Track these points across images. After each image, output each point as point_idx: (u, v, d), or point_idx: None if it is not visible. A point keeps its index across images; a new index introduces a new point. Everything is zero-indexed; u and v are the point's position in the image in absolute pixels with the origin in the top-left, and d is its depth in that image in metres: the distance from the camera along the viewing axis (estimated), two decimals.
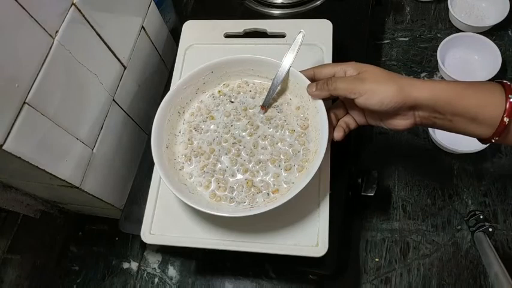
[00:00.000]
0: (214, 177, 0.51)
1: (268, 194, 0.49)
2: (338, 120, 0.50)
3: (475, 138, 0.43)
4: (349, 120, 0.50)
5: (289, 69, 0.51)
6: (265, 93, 0.54)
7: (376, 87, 0.42)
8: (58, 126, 0.52)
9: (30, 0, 0.45)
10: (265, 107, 0.54)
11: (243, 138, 0.53)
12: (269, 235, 0.49)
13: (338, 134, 0.48)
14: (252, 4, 0.75)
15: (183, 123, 0.55)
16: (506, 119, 0.38)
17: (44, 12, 0.48)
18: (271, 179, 0.50)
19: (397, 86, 0.42)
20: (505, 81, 0.40)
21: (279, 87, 0.53)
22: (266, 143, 0.52)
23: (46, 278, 0.74)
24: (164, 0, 0.85)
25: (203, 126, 0.54)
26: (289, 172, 0.50)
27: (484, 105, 0.40)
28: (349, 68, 0.46)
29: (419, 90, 0.41)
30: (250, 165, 0.51)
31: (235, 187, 0.50)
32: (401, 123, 0.45)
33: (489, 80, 0.73)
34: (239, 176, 0.50)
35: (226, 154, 0.52)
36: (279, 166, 0.50)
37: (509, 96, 0.38)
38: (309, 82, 0.50)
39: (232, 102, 0.55)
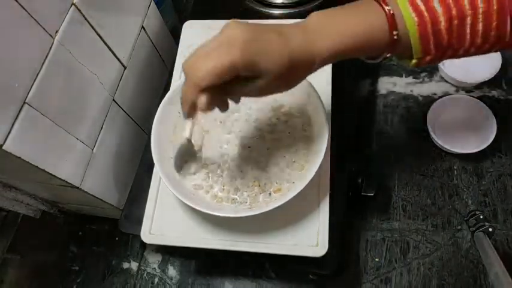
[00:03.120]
0: (215, 177, 0.51)
1: (270, 194, 0.49)
2: None
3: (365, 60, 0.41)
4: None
5: None
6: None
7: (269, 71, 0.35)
8: (58, 126, 0.52)
9: (30, 0, 0.45)
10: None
11: (244, 138, 0.53)
12: (269, 235, 0.49)
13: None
14: (252, 4, 0.75)
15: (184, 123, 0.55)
16: (395, 33, 0.36)
17: (44, 12, 0.48)
18: (274, 179, 0.50)
19: (284, 57, 0.35)
20: None
21: None
22: (268, 143, 0.52)
23: (46, 278, 0.74)
24: (164, 0, 0.85)
25: (204, 126, 0.54)
26: (291, 171, 0.50)
27: (369, 27, 0.37)
28: None
29: (319, 52, 0.37)
30: (251, 165, 0.51)
31: (236, 187, 0.50)
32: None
33: (491, 80, 0.73)
34: (239, 176, 0.50)
35: (227, 154, 0.52)
36: (281, 165, 0.50)
37: (386, 8, 0.36)
38: (309, 83, 0.50)
39: (233, 102, 0.55)
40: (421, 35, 0.36)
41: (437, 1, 0.35)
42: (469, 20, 0.35)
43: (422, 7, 0.36)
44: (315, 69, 0.39)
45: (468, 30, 0.36)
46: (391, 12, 0.36)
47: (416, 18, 0.35)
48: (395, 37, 0.36)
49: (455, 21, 0.35)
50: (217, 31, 0.36)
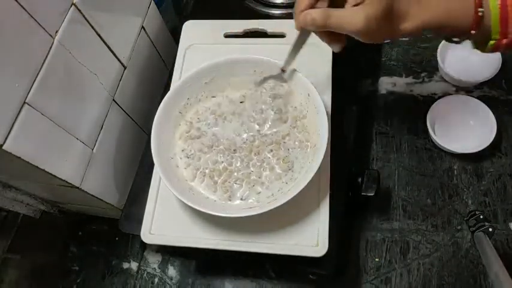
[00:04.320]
0: (215, 178, 0.51)
1: (270, 193, 0.49)
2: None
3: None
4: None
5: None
6: (268, 93, 0.54)
7: (369, 28, 0.41)
8: (58, 126, 0.52)
9: (30, 0, 0.45)
10: (285, 67, 0.52)
11: (245, 138, 0.53)
12: (269, 235, 0.49)
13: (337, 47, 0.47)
14: (252, 4, 0.75)
15: (184, 124, 0.55)
16: (480, 10, 0.41)
17: (44, 12, 0.48)
18: (273, 178, 0.50)
19: (389, 26, 0.42)
20: None
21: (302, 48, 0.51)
22: (268, 143, 0.52)
23: (46, 278, 0.74)
24: (164, 0, 0.85)
25: (204, 127, 0.54)
26: (290, 171, 0.50)
27: (461, 10, 0.42)
28: None
29: (409, 24, 0.42)
30: (252, 165, 0.51)
31: (236, 187, 0.50)
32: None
33: (491, 80, 0.73)
34: (240, 176, 0.50)
35: (227, 154, 0.52)
36: (281, 165, 0.50)
37: None
38: (309, 83, 0.50)
39: (233, 102, 0.55)
40: (502, 17, 0.41)
41: None
42: None
43: None
44: (398, 33, 0.43)
45: None
46: None
47: (499, 1, 0.41)
48: (479, 13, 0.41)
49: None
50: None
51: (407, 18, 0.42)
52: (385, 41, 0.45)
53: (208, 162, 0.52)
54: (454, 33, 0.46)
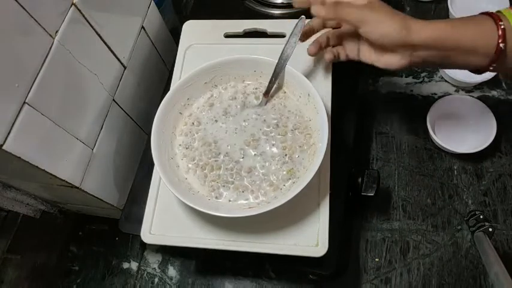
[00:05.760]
0: (215, 178, 0.51)
1: (270, 194, 0.49)
2: (329, 46, 0.53)
3: (471, 72, 0.48)
4: (341, 51, 0.52)
5: (291, 53, 0.51)
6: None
7: (384, 19, 0.44)
8: (58, 126, 0.52)
9: (30, 0, 0.45)
10: (268, 94, 0.53)
11: (245, 138, 0.53)
12: (269, 235, 0.49)
13: (329, 56, 0.51)
14: (252, 4, 0.75)
15: (184, 124, 0.55)
16: (501, 45, 0.42)
17: (44, 12, 0.48)
18: (273, 178, 0.50)
19: (402, 22, 0.44)
20: (490, 11, 0.44)
21: (281, 74, 0.53)
22: (268, 142, 0.52)
23: (46, 278, 0.74)
24: (164, 0, 0.85)
25: (204, 127, 0.54)
26: (290, 172, 0.50)
27: (479, 34, 0.44)
28: None
29: (423, 29, 0.44)
30: (251, 165, 0.51)
31: (237, 187, 0.50)
32: (395, 61, 0.46)
33: (491, 80, 0.73)
34: (239, 176, 0.50)
35: (227, 154, 0.52)
36: (281, 165, 0.50)
37: (499, 23, 0.42)
38: (309, 83, 0.50)
39: (234, 101, 0.55)
40: None
41: None
42: None
43: None
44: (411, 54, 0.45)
45: None
46: (503, 27, 0.43)
47: None
48: (501, 46, 0.43)
49: None
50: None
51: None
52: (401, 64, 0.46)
53: (210, 161, 0.52)
54: (472, 67, 0.47)
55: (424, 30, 0.44)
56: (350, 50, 0.51)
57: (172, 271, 0.70)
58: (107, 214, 0.74)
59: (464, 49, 0.44)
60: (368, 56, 0.49)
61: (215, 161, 0.52)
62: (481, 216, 0.64)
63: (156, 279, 0.70)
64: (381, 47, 0.46)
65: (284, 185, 0.49)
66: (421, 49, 0.44)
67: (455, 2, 0.85)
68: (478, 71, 0.47)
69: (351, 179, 0.59)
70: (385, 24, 0.44)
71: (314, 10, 0.47)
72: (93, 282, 0.72)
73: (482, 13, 0.46)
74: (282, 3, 0.74)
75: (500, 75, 0.49)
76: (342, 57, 0.52)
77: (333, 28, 0.52)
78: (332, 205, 0.50)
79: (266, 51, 0.54)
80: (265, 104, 0.54)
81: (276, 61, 0.52)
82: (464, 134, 0.72)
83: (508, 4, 0.80)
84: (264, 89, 0.54)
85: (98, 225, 0.76)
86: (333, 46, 0.53)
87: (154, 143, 0.50)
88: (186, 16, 0.87)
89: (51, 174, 0.52)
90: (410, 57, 0.45)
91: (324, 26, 0.51)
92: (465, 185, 0.70)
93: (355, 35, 0.49)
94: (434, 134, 0.70)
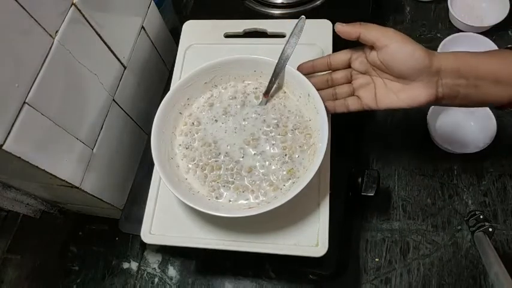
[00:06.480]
0: (216, 178, 0.51)
1: (269, 194, 0.49)
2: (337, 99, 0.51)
3: (496, 107, 0.46)
4: (353, 102, 0.50)
5: (291, 53, 0.50)
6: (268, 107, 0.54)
7: (406, 43, 0.43)
8: (58, 126, 0.52)
9: (30, 0, 0.45)
10: (268, 94, 0.53)
11: (244, 137, 0.53)
12: (269, 235, 0.49)
13: (341, 110, 0.50)
14: (252, 4, 0.75)
15: (184, 124, 0.55)
16: None
17: (44, 12, 0.48)
18: (273, 178, 0.50)
19: (424, 49, 0.43)
20: None
21: (281, 74, 0.52)
22: (268, 143, 0.52)
23: (46, 278, 0.74)
24: (164, 0, 0.85)
25: (204, 126, 0.54)
26: (290, 172, 0.50)
27: (505, 65, 0.42)
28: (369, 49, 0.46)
29: (444, 56, 0.43)
30: (251, 165, 0.51)
31: (237, 187, 0.50)
32: (421, 93, 0.44)
33: None
34: (239, 176, 0.50)
35: (227, 154, 0.52)
36: (281, 165, 0.50)
37: None
38: (309, 83, 0.50)
39: (234, 101, 0.55)
40: None
41: None
42: None
43: None
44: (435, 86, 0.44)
45: None
46: None
47: None
48: None
49: None
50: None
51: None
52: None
53: (210, 161, 0.52)
54: (496, 103, 0.45)
55: (447, 56, 0.43)
56: (365, 96, 0.48)
57: (172, 271, 0.70)
58: (107, 214, 0.74)
59: (490, 79, 0.42)
60: (386, 96, 0.47)
61: (215, 161, 0.51)
62: (481, 216, 0.64)
63: (156, 279, 0.70)
64: (401, 77, 0.45)
65: (284, 185, 0.49)
66: (448, 76, 0.43)
67: (455, 2, 0.85)
68: (505, 105, 0.45)
69: (351, 179, 0.59)
70: (407, 48, 0.43)
71: (338, 28, 0.46)
72: (93, 282, 0.72)
73: (508, 47, 0.46)
74: (282, 3, 0.74)
75: None
76: (353, 108, 0.49)
77: (338, 69, 0.51)
78: (332, 205, 0.50)
79: (266, 51, 0.54)
80: (265, 103, 0.54)
81: (276, 61, 0.52)
82: (464, 134, 0.72)
83: (508, 4, 0.80)
84: (264, 89, 0.54)
85: (98, 225, 0.76)
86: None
87: (154, 143, 0.50)
88: (186, 16, 0.87)
89: (51, 174, 0.52)
90: (437, 87, 0.43)
91: (329, 67, 0.50)
92: (465, 185, 0.70)
93: (368, 77, 0.48)
94: (434, 134, 0.70)
